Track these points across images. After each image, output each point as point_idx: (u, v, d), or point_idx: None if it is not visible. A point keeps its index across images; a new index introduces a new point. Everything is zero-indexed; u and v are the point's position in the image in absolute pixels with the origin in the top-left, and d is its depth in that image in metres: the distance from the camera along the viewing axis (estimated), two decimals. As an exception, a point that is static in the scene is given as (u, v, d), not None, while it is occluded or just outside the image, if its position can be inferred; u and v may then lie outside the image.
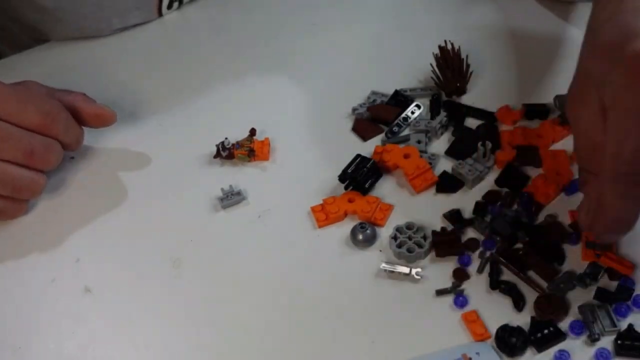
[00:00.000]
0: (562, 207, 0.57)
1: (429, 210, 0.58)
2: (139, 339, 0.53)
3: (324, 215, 0.58)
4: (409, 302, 0.53)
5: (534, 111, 0.63)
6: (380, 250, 0.56)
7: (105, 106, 0.62)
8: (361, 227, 0.56)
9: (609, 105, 0.46)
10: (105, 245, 0.59)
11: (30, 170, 0.58)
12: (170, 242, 0.58)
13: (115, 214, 0.61)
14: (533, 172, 0.60)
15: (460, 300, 0.52)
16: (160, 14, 0.77)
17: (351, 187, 0.60)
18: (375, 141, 0.64)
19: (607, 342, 0.50)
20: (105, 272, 0.57)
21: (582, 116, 0.49)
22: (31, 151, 0.57)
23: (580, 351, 0.49)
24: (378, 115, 0.65)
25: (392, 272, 0.54)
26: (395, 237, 0.56)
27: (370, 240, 0.56)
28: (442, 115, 0.64)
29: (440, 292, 0.53)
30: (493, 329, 0.51)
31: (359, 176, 0.59)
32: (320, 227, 0.58)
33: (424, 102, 0.66)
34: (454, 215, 0.57)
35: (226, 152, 0.62)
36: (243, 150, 0.62)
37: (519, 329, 0.50)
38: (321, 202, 0.59)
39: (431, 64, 0.67)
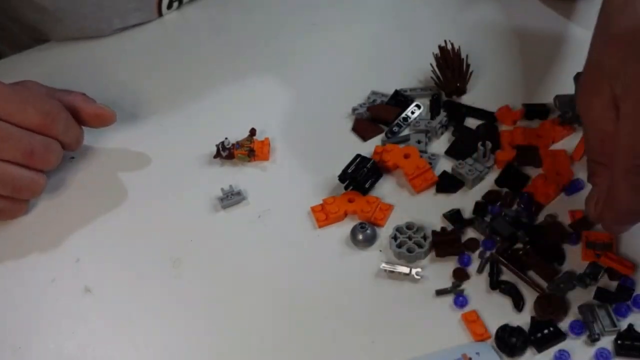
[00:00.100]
0: (562, 207, 0.57)
1: (429, 210, 0.58)
2: (139, 339, 0.53)
3: (324, 215, 0.58)
4: (409, 302, 0.53)
5: (534, 111, 0.63)
6: (380, 250, 0.56)
7: (105, 106, 0.62)
8: (361, 227, 0.56)
9: (622, 96, 0.46)
10: (105, 245, 0.59)
11: (30, 170, 0.58)
12: (170, 242, 0.58)
13: (115, 214, 0.61)
14: (533, 172, 0.60)
15: (460, 300, 0.52)
16: (160, 14, 0.77)
17: (351, 187, 0.60)
18: (375, 141, 0.64)
19: (607, 342, 0.50)
20: (105, 272, 0.57)
21: (593, 107, 0.49)
22: (31, 151, 0.57)
23: (580, 351, 0.49)
24: (378, 115, 0.65)
25: (392, 272, 0.54)
26: (395, 237, 0.56)
27: (370, 240, 0.56)
28: (442, 115, 0.63)
29: (440, 292, 0.53)
30: (493, 329, 0.51)
31: (359, 176, 0.59)
32: (320, 227, 0.58)
33: (424, 102, 0.65)
34: (454, 215, 0.57)
35: (226, 152, 0.62)
36: (243, 150, 0.62)
37: (519, 329, 0.50)
38: (321, 202, 0.59)
39: (431, 64, 0.67)
